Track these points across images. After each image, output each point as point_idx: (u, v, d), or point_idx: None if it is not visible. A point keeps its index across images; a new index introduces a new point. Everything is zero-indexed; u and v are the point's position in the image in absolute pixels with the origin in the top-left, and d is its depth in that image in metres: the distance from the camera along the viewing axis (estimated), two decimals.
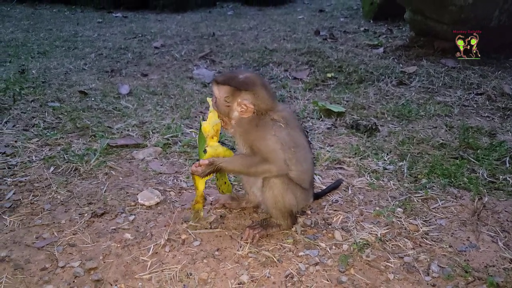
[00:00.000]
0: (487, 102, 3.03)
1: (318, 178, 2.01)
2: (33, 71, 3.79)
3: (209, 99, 1.57)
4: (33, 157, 2.20)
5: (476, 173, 2.04)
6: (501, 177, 1.99)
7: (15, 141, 2.39)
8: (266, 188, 1.51)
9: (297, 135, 1.53)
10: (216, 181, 1.68)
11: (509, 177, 1.98)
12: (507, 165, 2.11)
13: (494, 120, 2.75)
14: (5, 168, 2.08)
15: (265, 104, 1.47)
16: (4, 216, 1.69)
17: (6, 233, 1.59)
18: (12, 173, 2.04)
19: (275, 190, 1.49)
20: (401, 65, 3.86)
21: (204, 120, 1.54)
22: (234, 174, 1.57)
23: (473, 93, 3.19)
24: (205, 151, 1.49)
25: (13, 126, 2.62)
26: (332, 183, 1.91)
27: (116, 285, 1.33)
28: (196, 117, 2.81)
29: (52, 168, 2.08)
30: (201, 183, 1.55)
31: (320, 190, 1.87)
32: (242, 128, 1.49)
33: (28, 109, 2.90)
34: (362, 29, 5.43)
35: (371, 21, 5.78)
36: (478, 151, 2.26)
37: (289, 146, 1.46)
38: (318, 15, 6.81)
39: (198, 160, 1.52)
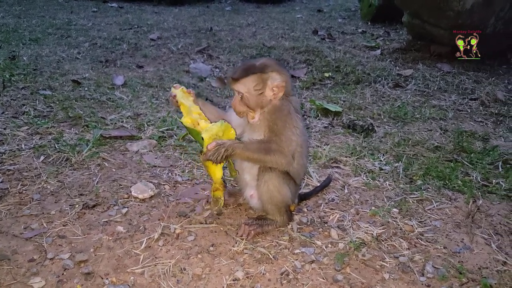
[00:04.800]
0: (480, 107, 3.07)
1: (315, 176, 2.00)
2: (24, 58, 3.68)
3: (174, 90, 1.49)
4: (23, 146, 2.13)
5: (470, 176, 2.05)
6: (494, 181, 2.01)
7: (4, 129, 2.31)
8: (261, 182, 1.47)
9: (304, 129, 1.53)
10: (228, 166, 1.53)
11: (502, 181, 2.00)
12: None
13: (487, 125, 2.78)
14: None
15: (288, 83, 1.45)
16: None
17: None
18: (0, 161, 1.97)
19: (271, 184, 1.46)
20: (397, 67, 3.88)
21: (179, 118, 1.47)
22: (248, 160, 1.45)
23: (467, 98, 3.22)
24: (203, 139, 1.40)
25: (1, 113, 2.54)
26: (321, 183, 1.88)
27: (107, 278, 1.29)
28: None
29: (42, 157, 2.02)
30: (218, 170, 1.47)
31: (309, 190, 1.86)
32: (268, 117, 1.43)
33: (18, 96, 2.82)
34: (360, 30, 5.44)
35: (369, 23, 5.80)
36: (472, 155, 2.28)
37: (301, 140, 1.47)
38: (316, 14, 6.81)
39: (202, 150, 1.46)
